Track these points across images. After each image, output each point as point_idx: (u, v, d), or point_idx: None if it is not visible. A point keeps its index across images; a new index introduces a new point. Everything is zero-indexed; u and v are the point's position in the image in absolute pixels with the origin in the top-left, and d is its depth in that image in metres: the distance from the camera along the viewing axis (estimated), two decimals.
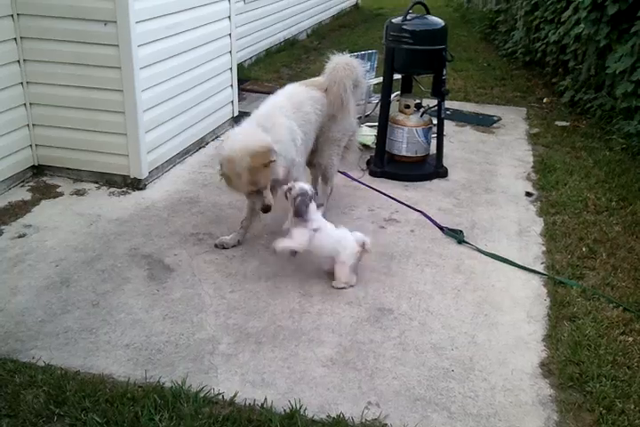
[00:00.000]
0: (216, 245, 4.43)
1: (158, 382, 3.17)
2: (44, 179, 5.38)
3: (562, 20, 8.04)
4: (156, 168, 5.48)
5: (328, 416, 3.02)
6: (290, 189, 3.99)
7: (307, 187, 4.04)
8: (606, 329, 3.68)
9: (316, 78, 4.82)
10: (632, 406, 3.12)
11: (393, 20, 5.56)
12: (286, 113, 4.27)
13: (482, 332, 3.68)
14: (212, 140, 6.45)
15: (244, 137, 4.00)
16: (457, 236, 4.69)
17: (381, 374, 3.32)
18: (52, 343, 3.45)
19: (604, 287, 4.11)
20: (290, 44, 10.99)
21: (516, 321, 3.79)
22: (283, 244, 4.01)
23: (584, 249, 4.55)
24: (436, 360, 3.43)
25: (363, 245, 4.03)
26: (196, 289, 3.98)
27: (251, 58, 9.60)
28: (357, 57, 6.76)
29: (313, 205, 4.00)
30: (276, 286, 4.05)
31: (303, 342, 3.53)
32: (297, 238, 3.97)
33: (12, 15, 4.93)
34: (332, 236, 4.04)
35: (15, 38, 4.99)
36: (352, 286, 4.04)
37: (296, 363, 3.37)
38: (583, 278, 4.21)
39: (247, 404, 3.07)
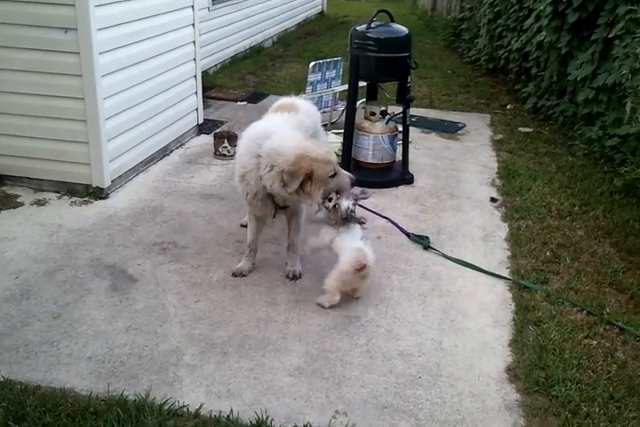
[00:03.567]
0: (234, 274, 4.18)
1: (121, 395, 3.09)
2: (4, 188, 5.27)
3: (524, 27, 8.17)
4: (119, 177, 5.40)
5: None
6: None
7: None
8: (571, 333, 3.70)
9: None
10: (597, 410, 3.14)
11: (357, 28, 5.58)
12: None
13: (448, 337, 3.69)
14: (177, 148, 6.39)
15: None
16: (423, 242, 4.70)
17: (349, 382, 3.29)
18: (12, 357, 3.35)
19: (568, 291, 4.15)
20: (255, 52, 10.98)
21: (482, 326, 3.80)
22: (311, 244, 4.07)
23: (548, 254, 4.60)
24: (404, 367, 3.42)
25: (357, 267, 3.77)
26: (160, 299, 3.91)
27: (216, 65, 9.56)
28: (323, 64, 6.86)
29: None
30: (242, 294, 4.00)
31: (270, 352, 3.49)
32: (323, 237, 3.99)
33: None
34: (346, 242, 3.91)
35: None
36: (323, 306, 3.90)
37: (262, 373, 3.33)
38: (547, 283, 4.25)
39: (213, 416, 3.02)
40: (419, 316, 3.87)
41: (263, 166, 3.78)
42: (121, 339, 3.54)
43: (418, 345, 3.60)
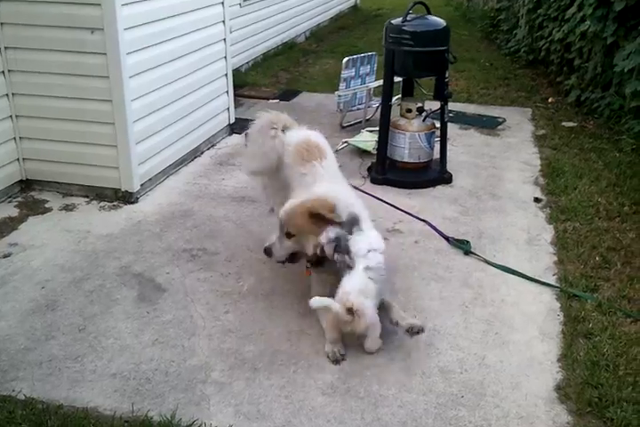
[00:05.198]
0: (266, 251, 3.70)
1: (146, 416, 2.95)
2: (33, 194, 5.19)
3: (566, 17, 7.82)
4: (149, 180, 5.28)
5: None
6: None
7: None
8: (625, 347, 3.45)
9: None
10: None
11: (392, 22, 5.35)
12: None
13: (492, 352, 3.46)
14: (208, 149, 6.25)
15: None
16: (463, 246, 4.48)
17: (386, 402, 3.10)
18: (35, 373, 3.24)
19: (621, 300, 3.88)
20: (288, 48, 10.78)
21: (528, 339, 3.56)
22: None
23: (597, 258, 4.33)
24: (444, 385, 3.21)
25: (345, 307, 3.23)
26: (189, 310, 3.76)
27: (247, 62, 9.39)
28: (357, 60, 6.66)
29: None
30: (273, 305, 3.83)
31: (302, 368, 3.31)
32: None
33: None
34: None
35: None
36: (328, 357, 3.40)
37: (294, 391, 3.15)
38: (598, 290, 3.98)
39: None
40: (460, 328, 3.65)
41: None
42: (147, 354, 3.39)
43: (460, 361, 3.38)
